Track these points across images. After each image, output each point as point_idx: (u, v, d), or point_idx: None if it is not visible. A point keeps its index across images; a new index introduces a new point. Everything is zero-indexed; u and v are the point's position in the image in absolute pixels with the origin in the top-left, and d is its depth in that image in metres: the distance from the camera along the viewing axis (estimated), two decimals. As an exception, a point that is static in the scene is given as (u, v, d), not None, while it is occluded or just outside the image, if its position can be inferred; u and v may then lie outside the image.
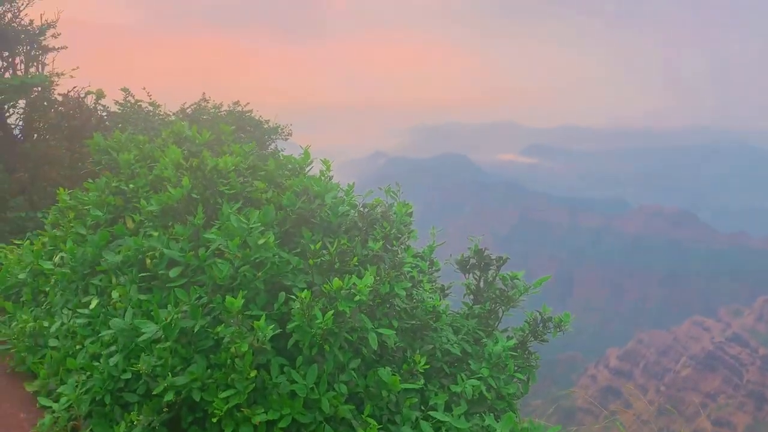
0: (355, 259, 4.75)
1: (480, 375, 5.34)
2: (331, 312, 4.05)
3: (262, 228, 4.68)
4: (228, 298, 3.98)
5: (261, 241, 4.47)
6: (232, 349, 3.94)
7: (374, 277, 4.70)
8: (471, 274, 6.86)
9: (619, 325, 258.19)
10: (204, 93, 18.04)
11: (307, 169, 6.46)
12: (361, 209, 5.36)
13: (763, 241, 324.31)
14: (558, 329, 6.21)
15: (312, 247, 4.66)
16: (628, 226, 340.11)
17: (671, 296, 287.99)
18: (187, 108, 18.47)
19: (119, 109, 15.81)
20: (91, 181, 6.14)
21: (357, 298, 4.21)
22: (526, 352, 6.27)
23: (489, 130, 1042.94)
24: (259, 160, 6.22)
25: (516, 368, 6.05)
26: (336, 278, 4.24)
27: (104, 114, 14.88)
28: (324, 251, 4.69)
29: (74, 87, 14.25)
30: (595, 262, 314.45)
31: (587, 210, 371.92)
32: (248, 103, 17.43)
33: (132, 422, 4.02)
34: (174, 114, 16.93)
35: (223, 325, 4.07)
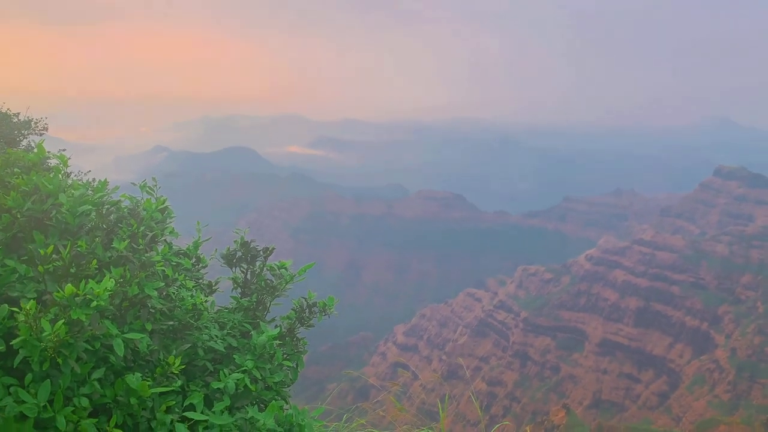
0: (95, 262, 4.40)
1: (244, 368, 5.31)
2: (62, 321, 3.71)
3: (-22, 234, 4.12)
4: (-71, 317, 3.44)
5: (-24, 250, 3.93)
6: (-61, 376, 3.43)
7: (119, 279, 4.41)
8: (238, 268, 6.80)
9: (404, 303, 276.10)
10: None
11: (47, 166, 5.84)
12: (104, 208, 4.97)
13: (519, 218, 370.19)
14: (323, 313, 6.41)
15: (42, 252, 4.22)
16: (407, 212, 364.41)
17: (447, 271, 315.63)
18: None
19: None
20: None
21: (95, 303, 3.91)
22: (295, 339, 6.38)
23: (276, 123, 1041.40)
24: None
25: (285, 356, 6.13)
26: (69, 284, 3.89)
27: None
28: (56, 256, 4.28)
29: None
30: (380, 246, 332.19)
31: (371, 198, 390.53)
32: (-11, 93, 15.07)
33: None
34: None
35: (-74, 349, 3.51)
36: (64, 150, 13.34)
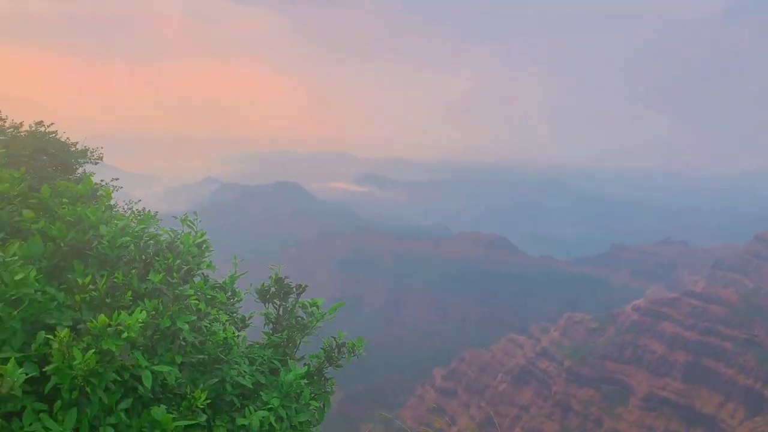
0: (129, 293, 4.52)
1: (270, 406, 5.31)
2: (93, 351, 3.80)
3: (23, 261, 4.29)
4: (-31, 340, 3.58)
5: (18, 277, 4.09)
6: (-26, 398, 3.54)
7: (152, 312, 4.51)
8: (271, 304, 6.86)
9: (443, 345, 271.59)
10: (-1, 111, 16.28)
11: (96, 196, 6.07)
12: (142, 241, 5.11)
13: (566, 264, 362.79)
14: (352, 354, 6.39)
15: (80, 281, 4.36)
16: (450, 252, 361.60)
17: (489, 315, 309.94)
18: (-20, 129, 16.57)
19: None
20: None
21: (125, 335, 4.01)
22: (323, 379, 6.36)
23: (323, 159, 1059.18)
24: (34, 187, 5.72)
25: (312, 395, 6.10)
26: (102, 315, 4.00)
27: None
28: (93, 286, 4.42)
29: None
30: (421, 285, 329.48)
31: (414, 237, 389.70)
32: (52, 124, 16.04)
33: None
34: (-38, 136, 15.12)
35: (-36, 371, 3.64)
36: (117, 179, 13.69)
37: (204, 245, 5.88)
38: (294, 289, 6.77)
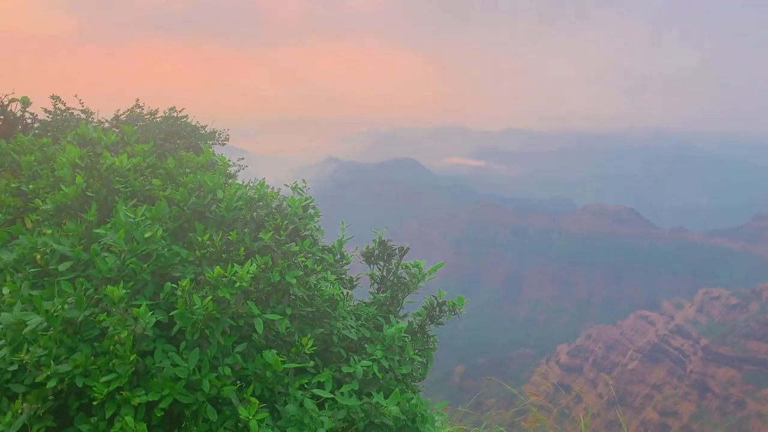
0: (242, 249, 4.98)
1: (374, 357, 5.63)
2: (210, 298, 4.27)
3: (150, 222, 4.86)
4: (109, 287, 4.15)
5: (147, 235, 4.66)
6: (115, 337, 4.12)
7: (262, 266, 4.94)
8: (375, 265, 7.20)
9: (567, 321, 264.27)
10: (138, 99, 18.07)
11: (214, 166, 6.65)
12: (253, 203, 5.58)
13: (700, 236, 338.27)
14: (452, 312, 6.57)
15: (200, 239, 4.87)
16: (573, 225, 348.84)
17: (616, 291, 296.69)
18: (121, 115, 18.42)
19: (48, 117, 15.59)
20: (-10, 184, 6.18)
21: (238, 284, 4.45)
22: (425, 336, 6.61)
23: (438, 134, 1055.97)
24: (159, 159, 6.38)
25: (416, 351, 6.38)
26: (218, 267, 4.46)
27: (30, 122, 14.63)
28: (210, 242, 4.92)
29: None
30: (542, 260, 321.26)
31: (534, 210, 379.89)
32: (183, 109, 17.63)
33: (18, 411, 4.12)
34: (108, 121, 16.88)
35: (106, 314, 4.24)
36: (243, 158, 14.82)
37: (311, 209, 6.28)
38: (397, 251, 7.04)
